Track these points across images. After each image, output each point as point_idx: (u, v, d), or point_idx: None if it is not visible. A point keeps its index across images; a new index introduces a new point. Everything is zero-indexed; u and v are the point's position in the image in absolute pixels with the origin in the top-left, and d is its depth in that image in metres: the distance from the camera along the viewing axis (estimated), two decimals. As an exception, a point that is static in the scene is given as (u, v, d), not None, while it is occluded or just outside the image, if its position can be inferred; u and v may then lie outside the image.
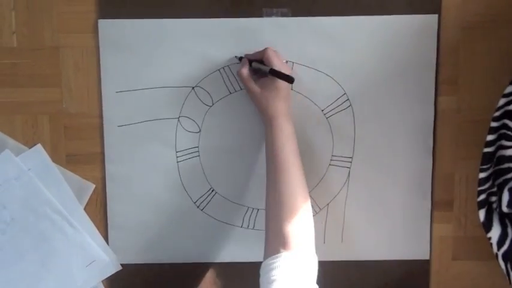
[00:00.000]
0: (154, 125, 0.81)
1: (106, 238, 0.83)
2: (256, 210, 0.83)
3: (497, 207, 0.78)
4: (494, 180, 0.78)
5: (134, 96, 0.81)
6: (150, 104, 0.81)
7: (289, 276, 0.64)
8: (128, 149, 0.82)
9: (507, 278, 0.78)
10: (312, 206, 0.83)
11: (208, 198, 0.83)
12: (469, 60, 0.80)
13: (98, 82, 0.80)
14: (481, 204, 0.78)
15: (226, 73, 0.80)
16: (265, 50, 0.76)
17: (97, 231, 0.83)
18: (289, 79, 0.72)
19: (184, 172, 0.82)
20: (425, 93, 0.81)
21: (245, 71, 0.76)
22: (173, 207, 0.83)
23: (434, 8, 0.79)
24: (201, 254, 0.84)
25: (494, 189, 0.78)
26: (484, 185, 0.77)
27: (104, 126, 0.81)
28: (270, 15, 0.79)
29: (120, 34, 0.79)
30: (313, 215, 0.82)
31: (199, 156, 0.82)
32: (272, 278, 0.64)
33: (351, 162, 0.82)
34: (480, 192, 0.77)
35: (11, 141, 0.81)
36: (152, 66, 0.80)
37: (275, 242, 0.67)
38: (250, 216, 0.83)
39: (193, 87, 0.81)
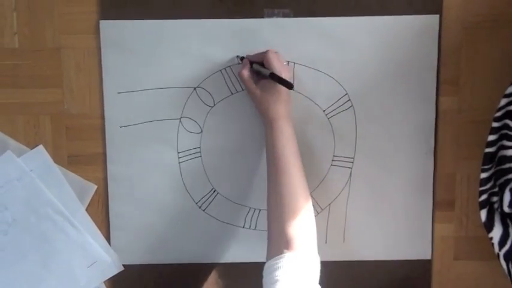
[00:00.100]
0: (156, 126, 0.81)
1: (108, 239, 0.83)
2: (258, 211, 0.83)
3: (498, 207, 0.78)
4: (495, 181, 0.78)
5: (136, 97, 0.81)
6: (152, 104, 0.81)
7: (292, 276, 0.64)
8: (130, 150, 0.82)
9: (508, 277, 0.78)
10: (314, 206, 0.82)
11: (210, 198, 0.83)
12: (470, 60, 0.81)
13: (100, 83, 0.81)
14: (482, 205, 0.78)
15: (227, 74, 0.80)
16: (266, 52, 0.76)
17: (99, 231, 0.83)
18: (289, 85, 0.72)
19: (186, 173, 0.82)
20: (427, 94, 0.81)
21: (246, 72, 0.76)
22: (175, 208, 0.83)
23: (435, 8, 0.79)
24: (203, 255, 0.84)
25: (496, 189, 0.78)
26: (485, 185, 0.77)
27: (106, 127, 0.81)
28: (271, 15, 0.79)
29: (121, 35, 0.79)
30: (315, 216, 0.82)
31: (201, 156, 0.82)
32: (275, 278, 0.64)
33: (352, 162, 0.82)
34: (481, 193, 0.77)
35: (12, 142, 0.81)
36: (154, 67, 0.80)
37: (278, 242, 0.68)
38: (252, 216, 0.83)
39: (194, 88, 0.81)
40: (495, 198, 0.78)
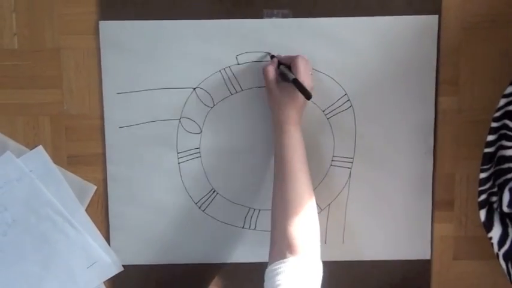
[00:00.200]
0: (155, 126, 0.81)
1: (107, 239, 0.83)
2: (258, 211, 0.83)
3: (497, 207, 0.78)
4: (494, 180, 0.78)
5: (135, 97, 0.81)
6: (151, 105, 0.81)
7: (294, 282, 0.64)
8: (129, 150, 0.82)
9: (508, 277, 0.78)
10: (313, 206, 0.83)
11: (210, 199, 0.83)
12: (469, 60, 0.81)
13: (99, 83, 0.81)
14: (481, 204, 0.78)
15: (227, 74, 0.80)
16: (296, 56, 0.75)
17: (98, 232, 0.83)
18: (308, 95, 0.72)
19: (185, 173, 0.82)
20: (426, 94, 0.81)
21: (271, 69, 0.76)
22: (175, 208, 0.83)
23: (434, 8, 0.79)
24: (203, 255, 0.84)
25: (495, 189, 0.78)
26: (484, 185, 0.77)
27: (105, 127, 0.81)
28: (270, 16, 0.79)
29: (121, 35, 0.79)
30: (315, 216, 0.82)
31: (200, 157, 0.82)
32: (277, 283, 0.64)
33: (352, 162, 0.83)
34: (481, 192, 0.77)
35: (12, 143, 0.81)
36: (153, 68, 0.80)
37: (281, 246, 0.67)
38: (252, 216, 0.83)
39: (194, 88, 0.81)
40: (494, 198, 0.78)
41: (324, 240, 0.84)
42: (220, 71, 0.80)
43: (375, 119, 0.82)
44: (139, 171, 0.82)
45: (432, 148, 0.82)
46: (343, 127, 0.82)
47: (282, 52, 0.79)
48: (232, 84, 0.81)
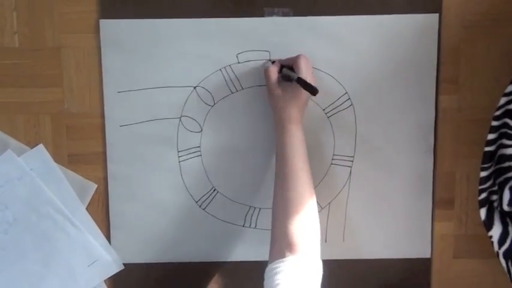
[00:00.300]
0: (155, 125, 0.81)
1: (108, 238, 0.83)
2: (258, 210, 0.83)
3: (498, 205, 0.78)
4: (495, 179, 0.78)
5: (136, 96, 0.81)
6: (152, 103, 0.81)
7: (293, 281, 0.64)
8: (130, 149, 0.82)
9: (508, 276, 0.78)
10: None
11: (210, 197, 0.83)
12: (469, 59, 0.81)
13: (100, 82, 0.81)
14: (482, 203, 0.78)
15: (227, 73, 0.80)
16: (298, 56, 0.76)
17: (99, 230, 0.83)
18: (314, 91, 0.72)
19: (186, 172, 0.82)
20: (426, 92, 0.81)
21: (274, 70, 0.76)
22: (175, 207, 0.83)
23: (435, 7, 0.79)
24: (203, 253, 0.84)
25: (495, 187, 0.78)
26: (485, 183, 0.77)
27: (106, 126, 0.81)
28: (271, 14, 0.79)
29: (121, 34, 0.79)
30: (315, 214, 0.82)
31: (201, 155, 0.82)
32: (276, 282, 0.64)
33: (352, 161, 0.83)
34: (481, 191, 0.78)
35: (13, 142, 0.82)
36: (153, 66, 0.80)
37: (281, 245, 0.68)
38: (252, 215, 0.83)
39: (194, 87, 0.81)
40: (495, 197, 0.78)
41: (325, 239, 0.84)
42: (220, 69, 0.80)
43: (375, 118, 0.82)
44: (140, 169, 0.82)
45: (432, 147, 0.82)
46: (344, 126, 0.82)
47: (282, 50, 0.79)
48: (232, 83, 0.81)
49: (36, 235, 0.82)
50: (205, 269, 0.85)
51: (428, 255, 0.85)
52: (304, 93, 0.74)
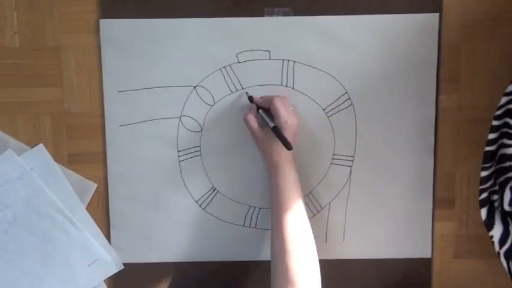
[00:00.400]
0: (155, 125, 0.81)
1: (108, 237, 0.83)
2: (258, 209, 0.83)
3: (499, 205, 0.78)
4: (495, 179, 0.78)
5: (136, 95, 0.81)
6: (152, 103, 0.81)
7: None
8: (130, 149, 0.82)
9: (509, 276, 0.78)
10: (314, 205, 0.83)
11: (210, 197, 0.83)
12: (470, 58, 0.81)
13: (100, 82, 0.81)
14: (482, 203, 0.78)
15: (227, 72, 0.80)
16: (272, 100, 0.76)
17: (99, 230, 0.83)
18: (288, 145, 0.73)
19: (186, 171, 0.82)
20: (427, 92, 0.81)
21: (251, 117, 0.77)
22: (175, 207, 0.83)
23: (435, 6, 0.79)
24: (203, 253, 0.84)
25: (496, 187, 0.78)
26: (485, 183, 0.77)
27: (106, 125, 0.81)
28: (271, 14, 0.79)
29: (121, 34, 0.79)
30: (315, 214, 0.83)
31: (201, 155, 0.82)
32: None
33: (352, 161, 0.82)
34: (482, 191, 0.77)
35: (13, 141, 0.82)
36: (153, 66, 0.80)
37: (283, 283, 0.68)
38: (252, 215, 0.83)
39: (194, 87, 0.81)
40: (495, 197, 0.78)
41: (325, 239, 0.84)
42: (220, 69, 0.80)
43: (376, 118, 0.82)
44: (140, 169, 0.82)
45: (433, 146, 0.82)
46: (344, 125, 0.82)
47: (282, 50, 0.79)
48: (232, 83, 0.81)
49: (36, 235, 0.82)
50: (205, 269, 0.85)
51: (428, 255, 0.84)
52: (291, 129, 0.75)
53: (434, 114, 0.81)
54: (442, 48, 0.80)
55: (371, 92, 0.81)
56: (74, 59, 0.80)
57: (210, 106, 0.81)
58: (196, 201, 0.83)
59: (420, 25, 0.79)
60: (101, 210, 0.83)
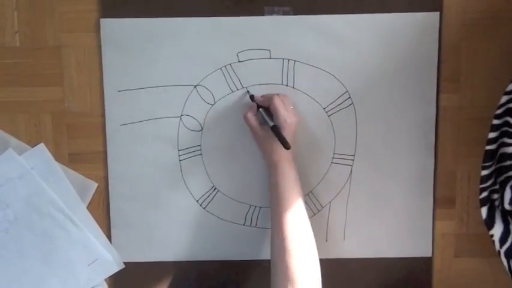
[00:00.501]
0: (156, 124, 0.81)
1: (109, 236, 0.84)
2: (259, 208, 0.83)
3: (499, 204, 0.78)
4: (496, 178, 0.78)
5: (136, 95, 0.81)
6: (152, 102, 0.81)
7: None
8: (130, 148, 0.82)
9: (509, 275, 0.78)
10: (314, 204, 0.83)
11: (211, 196, 0.83)
12: (470, 57, 0.80)
13: (100, 81, 0.81)
14: (483, 202, 0.78)
15: (228, 71, 0.80)
16: (272, 98, 0.76)
17: (100, 229, 0.83)
18: (286, 145, 0.72)
19: (186, 170, 0.82)
20: (427, 91, 0.81)
21: (251, 115, 0.77)
22: (176, 206, 0.83)
23: (435, 5, 0.79)
24: (204, 252, 0.84)
25: (496, 186, 0.78)
26: (486, 182, 0.77)
27: (106, 125, 0.81)
28: (271, 13, 0.79)
29: (122, 33, 0.79)
30: (315, 213, 0.83)
31: (201, 154, 0.82)
32: None
33: (353, 160, 0.82)
34: (482, 190, 0.77)
35: (13, 141, 0.82)
36: (154, 65, 0.80)
37: (283, 281, 0.68)
38: (253, 214, 0.83)
39: (195, 86, 0.81)
40: (496, 196, 0.78)
41: (325, 238, 0.84)
42: (221, 68, 0.80)
43: (376, 117, 0.82)
44: (140, 168, 0.82)
45: (433, 145, 0.82)
46: (344, 124, 0.82)
47: (282, 49, 0.79)
48: (233, 82, 0.81)
49: (37, 234, 0.82)
50: (205, 268, 0.85)
51: (429, 254, 0.84)
52: (290, 128, 0.75)
53: (434, 113, 0.81)
54: (442, 47, 0.80)
55: (371, 91, 0.81)
56: (75, 59, 0.80)
57: (210, 105, 0.81)
58: (197, 201, 0.83)
59: (420, 24, 0.79)
60: (101, 210, 0.83)
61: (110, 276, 0.84)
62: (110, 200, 0.83)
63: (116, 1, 0.79)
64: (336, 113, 0.82)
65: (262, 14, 0.79)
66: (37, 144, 0.82)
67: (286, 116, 0.75)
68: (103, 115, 0.81)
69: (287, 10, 0.79)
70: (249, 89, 0.81)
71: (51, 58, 0.80)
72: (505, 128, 0.75)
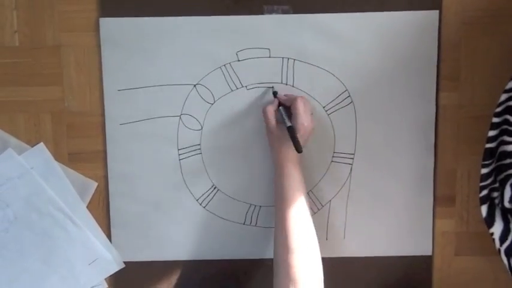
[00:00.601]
0: (156, 123, 0.81)
1: (109, 236, 0.83)
2: (259, 207, 0.83)
3: (499, 202, 0.78)
4: (496, 176, 0.78)
5: (136, 94, 0.81)
6: (152, 102, 0.81)
7: None
8: (130, 147, 0.82)
9: (509, 273, 0.78)
10: (314, 203, 0.83)
11: (211, 195, 0.83)
12: (470, 55, 0.80)
13: (100, 80, 0.81)
14: (483, 200, 0.78)
15: (227, 71, 0.80)
16: (295, 99, 0.76)
17: (100, 229, 0.83)
18: (298, 148, 0.73)
19: (186, 170, 0.82)
20: (427, 89, 0.81)
21: (271, 110, 0.77)
22: (176, 205, 0.83)
23: (435, 4, 0.79)
24: (204, 252, 0.84)
25: (496, 184, 0.78)
26: (486, 180, 0.77)
27: (106, 124, 0.81)
28: (271, 12, 0.79)
29: (121, 32, 0.79)
30: (316, 212, 0.83)
31: (201, 153, 0.82)
32: None
33: (352, 158, 0.82)
34: (482, 188, 0.77)
35: (13, 140, 0.82)
36: (153, 64, 0.80)
37: (285, 280, 0.68)
38: (253, 213, 0.83)
39: (194, 85, 0.81)
40: (496, 194, 0.78)
41: (325, 237, 0.84)
42: (220, 67, 0.80)
43: (376, 115, 0.82)
44: (140, 168, 0.82)
45: (433, 144, 0.82)
46: (344, 123, 0.82)
47: (282, 48, 0.79)
48: (232, 81, 0.81)
49: (37, 233, 0.82)
50: (206, 267, 0.85)
51: (429, 253, 0.84)
52: (306, 132, 0.75)
53: (434, 111, 0.81)
54: (442, 46, 0.80)
55: (371, 90, 0.81)
56: (74, 58, 0.80)
57: (210, 104, 0.81)
58: (197, 200, 0.83)
59: (420, 22, 0.79)
60: (101, 209, 0.83)
61: (109, 276, 0.84)
62: (110, 200, 0.83)
63: (115, 0, 0.79)
64: (335, 112, 0.81)
65: (262, 13, 0.79)
66: (37, 143, 0.82)
67: (305, 119, 0.75)
68: (103, 114, 0.81)
69: (286, 9, 0.79)
70: (248, 88, 0.81)
71: (51, 58, 0.80)
72: (505, 126, 0.75)
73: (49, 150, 0.82)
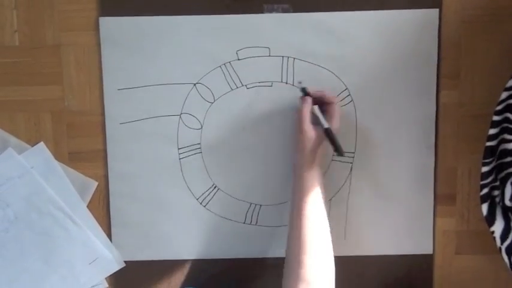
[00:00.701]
0: (156, 122, 0.81)
1: (109, 235, 0.83)
2: (259, 206, 0.83)
3: (500, 201, 0.78)
4: (496, 174, 0.78)
5: (136, 93, 0.81)
6: (152, 101, 0.81)
7: None
8: (130, 146, 0.82)
9: (510, 271, 0.78)
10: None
11: (211, 194, 0.83)
12: (470, 54, 0.80)
13: (100, 80, 0.81)
14: (483, 198, 0.77)
15: (227, 69, 0.80)
16: (333, 98, 0.76)
17: (100, 228, 0.83)
18: (340, 150, 0.72)
19: (186, 169, 0.82)
20: (427, 88, 0.81)
21: (307, 112, 0.75)
22: (176, 204, 0.83)
23: (435, 2, 0.79)
24: (204, 251, 0.84)
25: (497, 183, 0.78)
26: (486, 179, 0.77)
27: (106, 123, 0.81)
28: (271, 11, 0.79)
29: (121, 31, 0.79)
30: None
31: (201, 152, 0.82)
32: None
33: (353, 157, 0.82)
34: (483, 186, 0.77)
35: (13, 140, 0.82)
36: (153, 63, 0.80)
37: (296, 281, 0.68)
38: (253, 212, 0.83)
39: (194, 84, 0.81)
40: (496, 192, 0.78)
41: (326, 236, 0.84)
42: (220, 66, 0.80)
43: (376, 114, 0.81)
44: (140, 167, 0.82)
45: (433, 142, 0.82)
46: (344, 122, 0.81)
47: (282, 47, 0.79)
48: (232, 80, 0.81)
49: (37, 233, 0.82)
50: (206, 266, 0.85)
51: (430, 251, 0.84)
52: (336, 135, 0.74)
53: (434, 110, 0.81)
54: (442, 44, 0.80)
55: (371, 88, 0.81)
56: (74, 57, 0.80)
57: (210, 103, 0.81)
58: (197, 199, 0.83)
59: (420, 21, 0.79)
60: (101, 208, 0.83)
61: (110, 275, 0.84)
62: (110, 199, 0.83)
63: (115, 0, 0.79)
64: (335, 111, 0.81)
65: (262, 12, 0.79)
66: (37, 143, 0.82)
67: (339, 124, 0.75)
68: (103, 114, 0.81)
69: (286, 7, 0.79)
70: (248, 87, 0.81)
71: (51, 57, 0.80)
72: (505, 125, 0.75)
73: (49, 150, 0.82)
